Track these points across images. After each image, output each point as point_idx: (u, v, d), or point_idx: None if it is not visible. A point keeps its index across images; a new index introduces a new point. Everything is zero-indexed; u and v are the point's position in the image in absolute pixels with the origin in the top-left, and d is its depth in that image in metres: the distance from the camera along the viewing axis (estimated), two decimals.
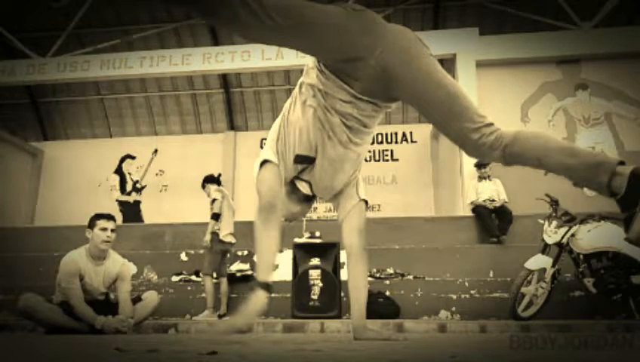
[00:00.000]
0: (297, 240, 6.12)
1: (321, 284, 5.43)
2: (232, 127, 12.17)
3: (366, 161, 11.12)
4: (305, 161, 2.20)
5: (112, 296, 4.00)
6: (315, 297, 5.37)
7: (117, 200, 11.85)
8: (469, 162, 7.64)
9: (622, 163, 1.62)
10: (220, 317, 5.62)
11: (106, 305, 3.86)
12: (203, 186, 6.21)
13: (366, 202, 2.42)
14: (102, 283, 3.84)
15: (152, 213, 11.48)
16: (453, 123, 1.79)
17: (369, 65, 1.82)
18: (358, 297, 2.37)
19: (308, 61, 2.11)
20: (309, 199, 2.42)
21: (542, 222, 5.16)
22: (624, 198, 1.59)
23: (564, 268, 4.96)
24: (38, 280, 6.06)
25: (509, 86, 8.30)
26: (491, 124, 1.79)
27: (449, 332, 4.21)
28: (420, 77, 1.80)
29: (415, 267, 6.25)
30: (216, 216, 5.85)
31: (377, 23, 1.85)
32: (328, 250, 5.72)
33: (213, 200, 5.92)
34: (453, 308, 5.69)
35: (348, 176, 2.33)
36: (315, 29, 1.77)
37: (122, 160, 12.15)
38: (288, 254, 5.86)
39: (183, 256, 6.77)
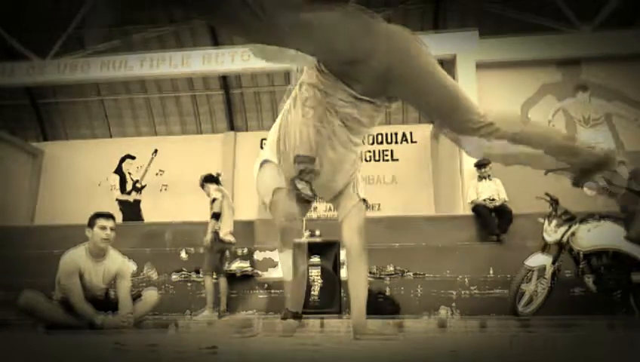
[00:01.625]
0: (297, 239, 6.11)
1: (321, 282, 5.43)
2: (232, 127, 12.18)
3: (366, 161, 11.15)
4: (305, 161, 2.21)
5: (112, 293, 4.01)
6: (315, 295, 5.37)
7: (117, 200, 11.85)
8: (469, 162, 7.65)
9: (622, 162, 1.63)
10: (219, 315, 5.62)
11: (106, 302, 3.87)
12: (202, 186, 6.19)
13: (365, 201, 2.42)
14: (101, 281, 3.85)
15: (152, 212, 11.49)
16: (453, 123, 1.80)
17: (370, 66, 1.82)
18: (358, 296, 2.36)
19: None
20: (309, 199, 2.42)
21: (542, 221, 5.16)
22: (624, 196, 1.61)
23: (564, 266, 4.96)
24: (39, 278, 6.06)
25: (509, 87, 8.32)
26: (492, 124, 1.79)
27: (449, 329, 4.21)
28: (421, 76, 1.81)
29: (415, 265, 6.24)
30: (216, 216, 5.84)
31: (376, 24, 1.85)
32: (328, 249, 5.72)
33: (214, 200, 5.92)
34: (453, 305, 5.69)
35: (348, 175, 2.33)
36: (315, 31, 1.77)
37: (122, 160, 12.17)
38: (288, 252, 5.83)
39: (183, 254, 6.77)
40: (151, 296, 4.15)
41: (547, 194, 5.24)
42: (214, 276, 5.81)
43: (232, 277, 6.15)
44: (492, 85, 8.25)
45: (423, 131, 11.19)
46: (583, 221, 4.85)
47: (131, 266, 5.90)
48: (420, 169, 11.08)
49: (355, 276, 2.38)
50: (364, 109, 2.01)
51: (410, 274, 6.12)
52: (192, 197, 6.31)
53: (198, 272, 6.30)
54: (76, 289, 3.67)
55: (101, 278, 3.85)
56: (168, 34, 10.70)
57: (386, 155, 11.46)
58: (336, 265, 5.62)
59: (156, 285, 5.74)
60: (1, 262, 6.75)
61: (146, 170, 12.08)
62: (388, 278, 5.96)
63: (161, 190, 11.84)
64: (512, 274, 5.27)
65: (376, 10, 10.21)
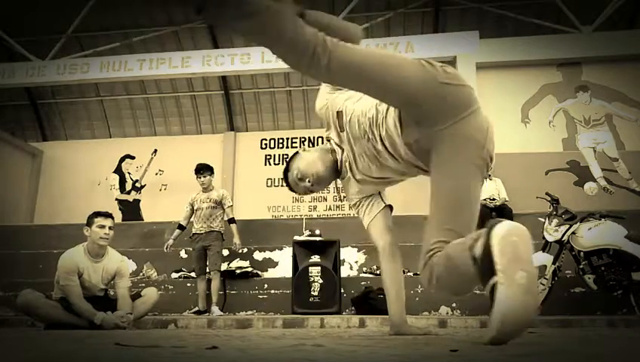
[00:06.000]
0: (297, 237, 6.11)
1: (321, 281, 5.41)
2: (232, 127, 12.17)
3: None
4: None
5: (111, 292, 4.00)
6: (315, 293, 5.36)
7: (117, 199, 11.84)
8: None
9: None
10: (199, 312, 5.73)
11: (105, 301, 3.86)
12: (201, 173, 6.02)
13: (391, 207, 2.37)
14: (100, 280, 3.83)
15: (151, 211, 11.48)
16: None
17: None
18: (400, 294, 2.28)
19: None
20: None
21: (542, 220, 5.16)
22: None
23: (564, 265, 4.96)
24: (38, 277, 6.08)
25: (509, 88, 8.32)
26: None
27: (449, 328, 4.20)
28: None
29: (415, 264, 6.20)
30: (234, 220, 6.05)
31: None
32: (328, 248, 5.72)
33: (230, 206, 6.04)
34: (454, 304, 5.67)
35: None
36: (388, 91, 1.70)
37: (122, 160, 12.16)
38: (288, 251, 5.85)
39: (183, 254, 6.76)
40: (151, 294, 4.14)
41: (547, 194, 5.24)
42: (198, 274, 5.93)
43: (230, 275, 6.17)
44: (492, 86, 8.25)
45: None
46: (583, 220, 4.85)
47: (130, 265, 5.92)
48: None
49: (393, 273, 2.31)
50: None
51: (411, 273, 6.11)
52: None
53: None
54: (75, 288, 3.65)
55: (100, 277, 3.83)
56: (168, 35, 10.68)
57: None
58: (336, 265, 5.62)
59: (156, 285, 5.72)
60: (1, 262, 6.76)
61: (145, 170, 12.07)
62: None
63: (160, 190, 11.83)
64: None
65: (377, 13, 10.26)
